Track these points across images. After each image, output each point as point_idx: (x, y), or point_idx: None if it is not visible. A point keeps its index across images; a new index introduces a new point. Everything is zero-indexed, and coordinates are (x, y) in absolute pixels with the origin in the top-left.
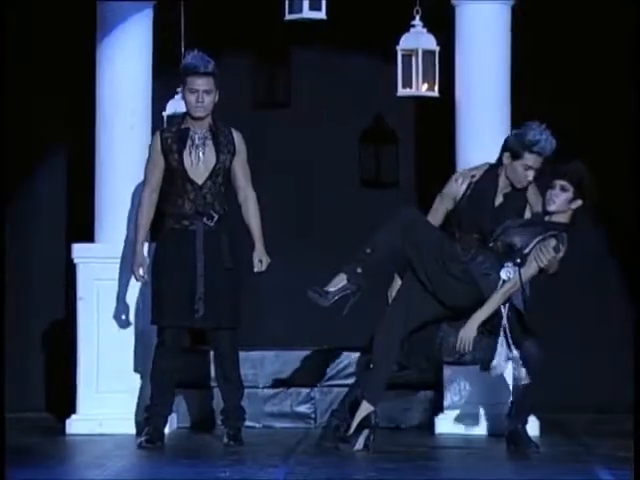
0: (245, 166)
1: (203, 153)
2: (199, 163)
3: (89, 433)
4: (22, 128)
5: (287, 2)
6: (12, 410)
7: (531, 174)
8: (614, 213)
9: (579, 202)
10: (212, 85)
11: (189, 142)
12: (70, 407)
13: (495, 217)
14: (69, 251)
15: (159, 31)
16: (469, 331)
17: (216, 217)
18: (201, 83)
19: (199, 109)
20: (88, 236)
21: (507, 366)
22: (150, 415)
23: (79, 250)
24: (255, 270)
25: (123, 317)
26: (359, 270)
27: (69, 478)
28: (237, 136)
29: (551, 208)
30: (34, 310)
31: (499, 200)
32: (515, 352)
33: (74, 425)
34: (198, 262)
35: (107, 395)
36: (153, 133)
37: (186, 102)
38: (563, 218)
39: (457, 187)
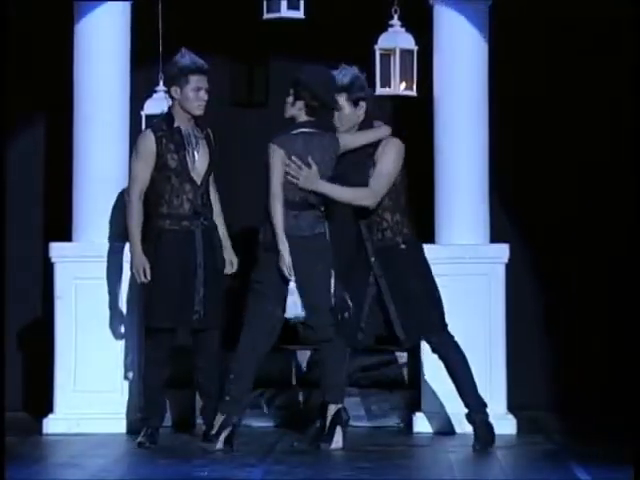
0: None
1: (198, 152)
2: (195, 162)
3: (66, 432)
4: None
5: (265, 1)
6: None
7: (335, 114)
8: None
9: (298, 102)
10: (207, 84)
11: (186, 141)
12: (47, 406)
13: None
14: (47, 250)
15: (137, 30)
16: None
17: (210, 217)
18: (204, 81)
19: (201, 107)
20: (65, 235)
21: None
22: (148, 415)
23: (57, 249)
24: (226, 272)
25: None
26: (227, 398)
27: (46, 478)
28: (211, 134)
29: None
30: (12, 309)
31: None
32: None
33: (51, 424)
34: (199, 263)
35: (85, 394)
36: (131, 132)
37: (188, 100)
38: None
39: None
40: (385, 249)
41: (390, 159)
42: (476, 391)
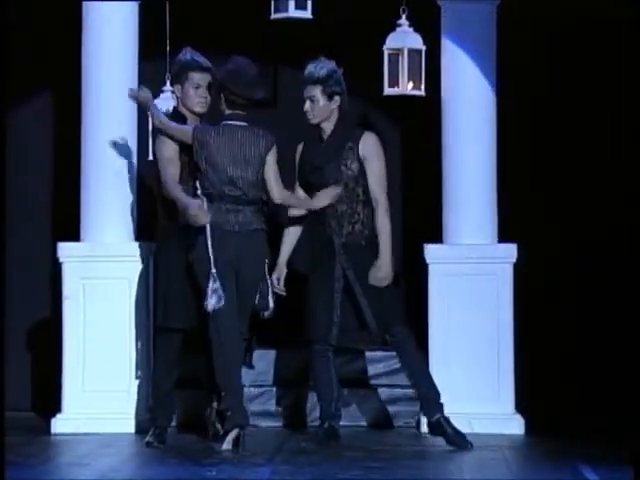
0: None
1: None
2: None
3: (74, 432)
4: (6, 124)
5: (273, 1)
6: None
7: (307, 105)
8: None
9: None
10: (210, 81)
11: None
12: (55, 406)
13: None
14: (55, 250)
15: (144, 30)
16: (387, 269)
17: None
18: (204, 78)
19: (202, 104)
20: (74, 235)
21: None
22: (156, 415)
23: (65, 249)
24: None
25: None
26: (229, 413)
27: (54, 478)
28: None
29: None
30: (19, 309)
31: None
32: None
33: (59, 424)
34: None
35: (93, 394)
36: (139, 131)
37: (188, 98)
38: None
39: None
40: (353, 242)
41: (379, 157)
42: (434, 386)
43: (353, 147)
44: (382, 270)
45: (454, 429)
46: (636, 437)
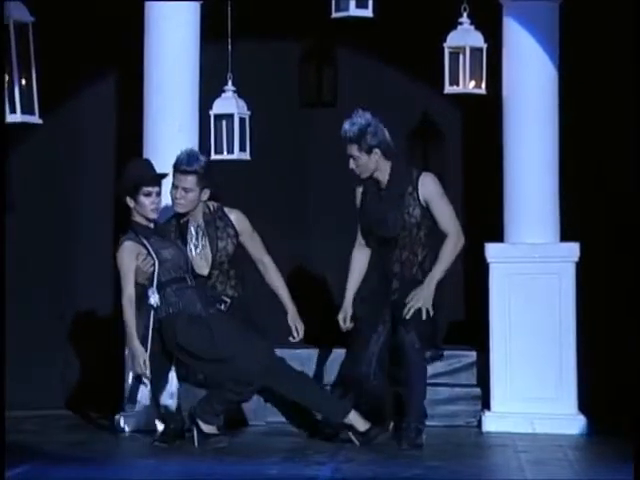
0: (254, 238)
1: (204, 246)
2: (200, 255)
3: (138, 429)
4: (70, 124)
5: (334, 0)
6: (61, 407)
7: (351, 163)
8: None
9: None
10: (194, 184)
11: (189, 236)
12: (120, 404)
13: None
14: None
15: (206, 30)
16: (430, 291)
17: (229, 302)
18: (182, 180)
19: (178, 205)
20: None
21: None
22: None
23: None
24: (292, 340)
25: None
26: None
27: (119, 474)
28: (234, 216)
29: None
30: (83, 307)
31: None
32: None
33: (123, 422)
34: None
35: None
36: (201, 132)
37: (170, 195)
38: None
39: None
40: (410, 283)
41: (441, 195)
42: (422, 410)
43: (413, 192)
44: (425, 290)
45: (415, 438)
46: (636, 437)
